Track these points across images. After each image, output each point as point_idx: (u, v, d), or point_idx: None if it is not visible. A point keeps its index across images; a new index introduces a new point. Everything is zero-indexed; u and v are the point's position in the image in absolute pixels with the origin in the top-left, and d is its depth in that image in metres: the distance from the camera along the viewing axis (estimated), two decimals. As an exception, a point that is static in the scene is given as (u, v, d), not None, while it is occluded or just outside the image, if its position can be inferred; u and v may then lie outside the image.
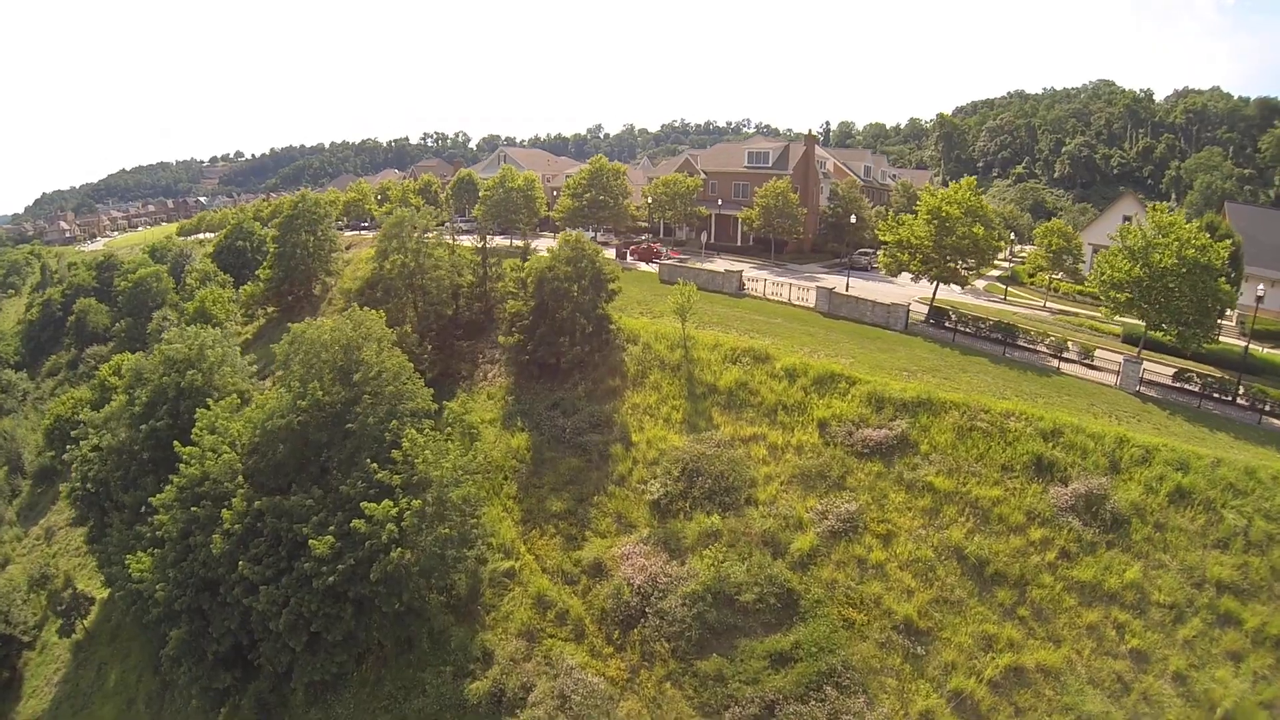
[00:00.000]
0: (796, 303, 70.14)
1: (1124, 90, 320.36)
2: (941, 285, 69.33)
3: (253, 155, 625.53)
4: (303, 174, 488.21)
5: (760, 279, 75.68)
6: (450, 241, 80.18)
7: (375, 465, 44.27)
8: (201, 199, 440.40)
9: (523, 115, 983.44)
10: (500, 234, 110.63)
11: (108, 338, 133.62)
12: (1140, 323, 60.57)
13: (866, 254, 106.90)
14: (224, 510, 44.62)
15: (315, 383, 47.48)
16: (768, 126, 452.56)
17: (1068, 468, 43.57)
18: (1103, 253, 61.25)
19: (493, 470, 54.78)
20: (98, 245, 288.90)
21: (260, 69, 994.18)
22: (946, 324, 63.38)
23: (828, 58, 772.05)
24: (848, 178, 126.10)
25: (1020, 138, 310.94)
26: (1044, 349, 58.75)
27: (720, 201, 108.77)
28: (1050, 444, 44.92)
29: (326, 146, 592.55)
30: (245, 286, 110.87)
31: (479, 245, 76.43)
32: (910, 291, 79.79)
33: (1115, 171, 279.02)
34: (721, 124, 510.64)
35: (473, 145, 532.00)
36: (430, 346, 67.88)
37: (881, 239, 72.70)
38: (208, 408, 52.57)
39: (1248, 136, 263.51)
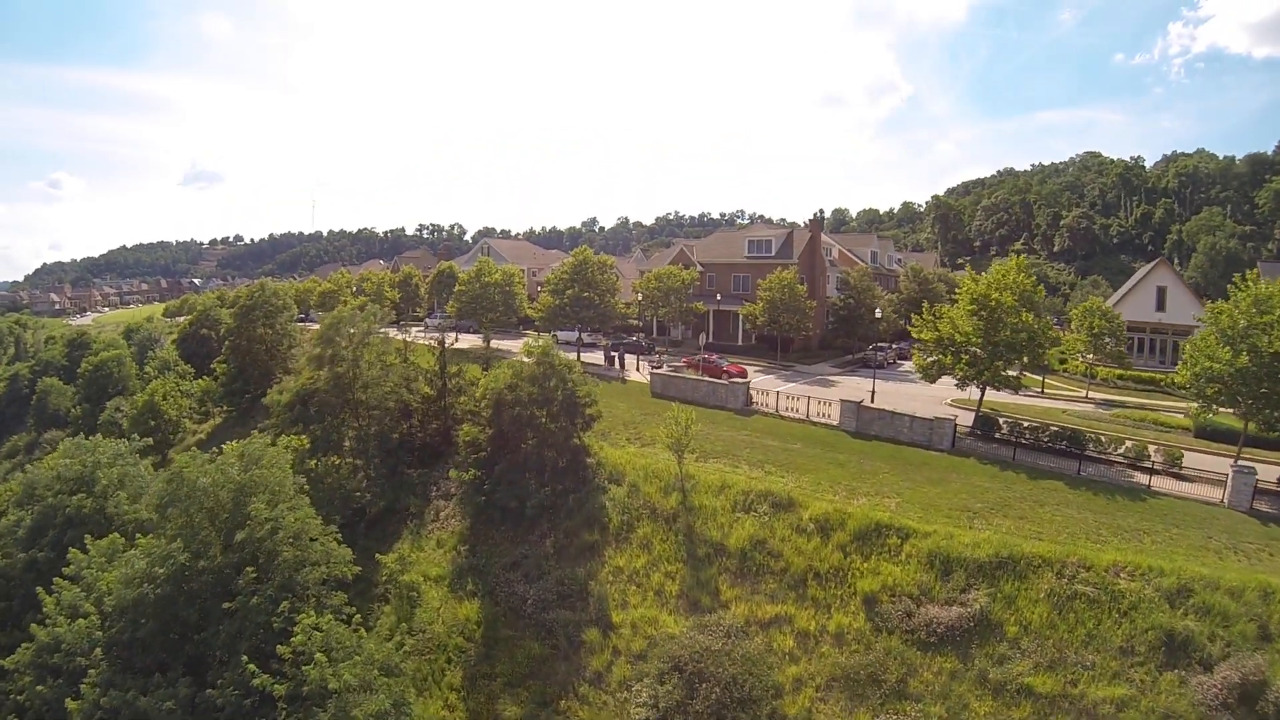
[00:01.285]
0: (817, 419, 57.27)
1: (1114, 160, 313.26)
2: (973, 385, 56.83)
3: (251, 240, 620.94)
4: (299, 261, 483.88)
5: (771, 390, 62.84)
6: (404, 343, 68.40)
7: (253, 667, 30.70)
8: (195, 280, 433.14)
9: (518, 209, 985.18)
10: (476, 333, 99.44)
11: (66, 422, 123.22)
12: (1213, 409, 48.14)
13: (883, 349, 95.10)
14: (69, 700, 31.40)
15: (180, 541, 34.99)
16: (762, 216, 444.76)
17: (1207, 643, 30.51)
18: (1192, 340, 48.92)
19: (434, 650, 41.85)
20: (86, 320, 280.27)
21: (264, 156, 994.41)
22: (997, 434, 51.45)
23: (819, 148, 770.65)
24: (855, 265, 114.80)
25: (1016, 214, 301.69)
26: (1120, 459, 47.16)
27: (719, 296, 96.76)
28: (1178, 609, 31.90)
29: (324, 235, 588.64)
30: (199, 381, 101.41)
31: (439, 349, 63.32)
32: (938, 392, 68.07)
33: (1115, 241, 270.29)
34: (715, 215, 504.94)
35: (467, 238, 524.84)
36: (371, 475, 55.78)
37: (916, 337, 60.33)
38: (85, 546, 39.71)
39: (1241, 194, 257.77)
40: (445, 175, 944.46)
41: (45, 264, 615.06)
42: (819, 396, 61.15)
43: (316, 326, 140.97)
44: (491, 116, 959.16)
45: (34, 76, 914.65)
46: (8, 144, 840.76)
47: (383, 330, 63.42)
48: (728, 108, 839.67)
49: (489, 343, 72.84)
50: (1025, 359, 54.63)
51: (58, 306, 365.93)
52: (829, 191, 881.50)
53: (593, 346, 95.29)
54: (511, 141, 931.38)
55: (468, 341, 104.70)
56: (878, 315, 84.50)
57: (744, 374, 70.66)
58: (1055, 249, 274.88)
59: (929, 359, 57.23)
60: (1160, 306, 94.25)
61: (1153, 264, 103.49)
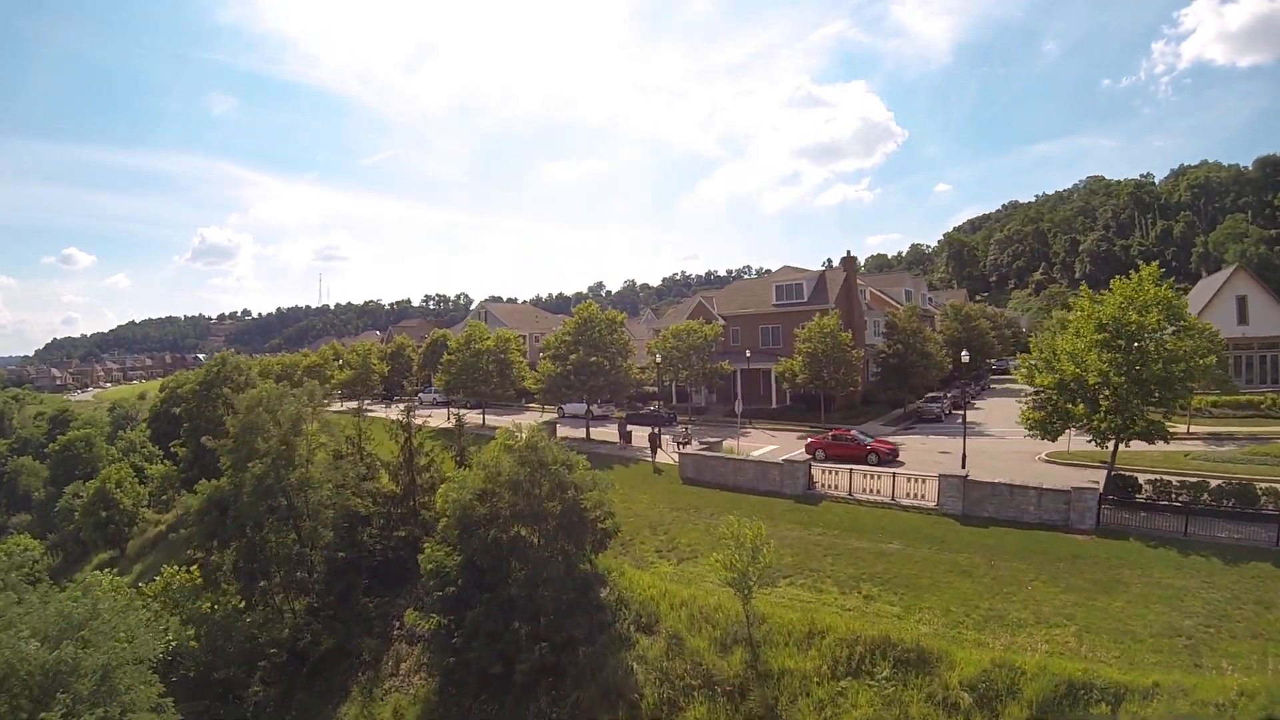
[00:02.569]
0: (907, 502, 42.36)
1: (1120, 181, 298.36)
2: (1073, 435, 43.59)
3: (259, 314, 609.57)
4: (306, 334, 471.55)
5: (837, 466, 47.24)
6: (358, 426, 53.31)
7: None
8: (200, 356, 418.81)
9: (524, 277, 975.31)
10: (474, 407, 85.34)
11: (32, 506, 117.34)
12: None
13: (936, 400, 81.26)
14: None
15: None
16: (767, 271, 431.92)
17: None
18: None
19: None
20: (87, 395, 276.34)
21: (272, 232, 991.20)
22: (1137, 499, 37.32)
23: (818, 201, 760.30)
24: (891, 307, 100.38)
25: (1030, 244, 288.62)
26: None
27: (748, 353, 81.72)
28: None
29: (331, 308, 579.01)
30: (159, 465, 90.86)
31: (403, 435, 49.46)
32: (1022, 447, 54.69)
33: (1137, 261, 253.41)
34: (722, 272, 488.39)
35: (473, 307, 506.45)
36: (314, 605, 42.69)
37: (1025, 382, 46.04)
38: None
39: (1259, 199, 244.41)
40: (450, 246, 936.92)
41: (56, 339, 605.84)
42: (898, 470, 46.73)
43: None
44: (495, 186, 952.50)
45: (45, 154, 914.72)
46: (20, 220, 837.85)
47: (368, 410, 54.63)
48: (726, 166, 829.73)
49: (460, 427, 56.45)
50: (1174, 394, 39.53)
51: (59, 382, 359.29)
52: (832, 242, 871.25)
53: (605, 419, 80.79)
54: (516, 209, 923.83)
55: (465, 418, 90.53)
56: (962, 357, 68.30)
57: (894, 452, 54.97)
58: (1076, 275, 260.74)
59: (1039, 409, 42.66)
60: (1242, 319, 79.71)
61: (1228, 272, 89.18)
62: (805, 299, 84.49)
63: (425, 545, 37.00)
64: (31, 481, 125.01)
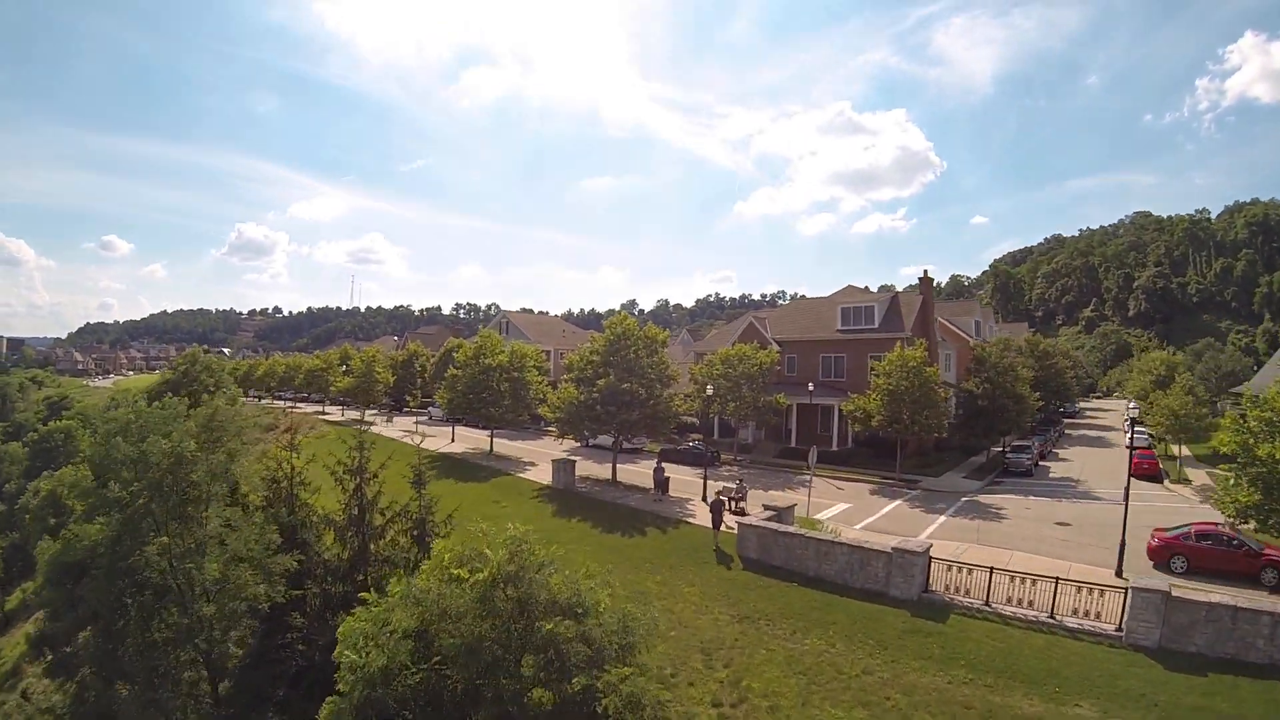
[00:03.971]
0: (1073, 622, 28.13)
1: (1171, 217, 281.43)
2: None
3: (290, 313, 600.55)
4: (334, 335, 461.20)
5: (965, 563, 31.89)
6: (290, 468, 38.68)
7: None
8: (224, 350, 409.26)
9: (555, 292, 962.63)
10: (484, 429, 72.02)
11: (3, 497, 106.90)
12: None
13: (1024, 449, 67.72)
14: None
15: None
16: (802, 296, 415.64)
17: None
18: None
19: None
20: (107, 382, 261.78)
21: (308, 231, 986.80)
22: None
23: (853, 229, 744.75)
24: (957, 338, 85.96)
25: (1079, 279, 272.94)
26: None
27: (811, 386, 68.08)
28: None
29: (362, 310, 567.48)
30: None
31: (353, 481, 34.78)
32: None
33: (1195, 300, 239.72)
34: (756, 296, 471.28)
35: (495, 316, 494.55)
36: None
37: (1229, 448, 33.21)
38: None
39: None
40: (484, 256, 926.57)
41: (89, 323, 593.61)
42: (1048, 567, 32.49)
43: (305, 409, 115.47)
44: (530, 198, 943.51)
45: (89, 143, 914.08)
46: (64, 205, 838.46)
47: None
48: (762, 189, 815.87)
49: (421, 485, 37.65)
50: None
51: (81, 366, 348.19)
52: (867, 271, 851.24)
53: (636, 453, 67.26)
54: (551, 221, 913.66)
55: (470, 442, 76.67)
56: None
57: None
58: (1130, 313, 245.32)
59: (1259, 490, 31.11)
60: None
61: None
62: (876, 325, 70.42)
63: None
64: (11, 469, 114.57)
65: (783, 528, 35.72)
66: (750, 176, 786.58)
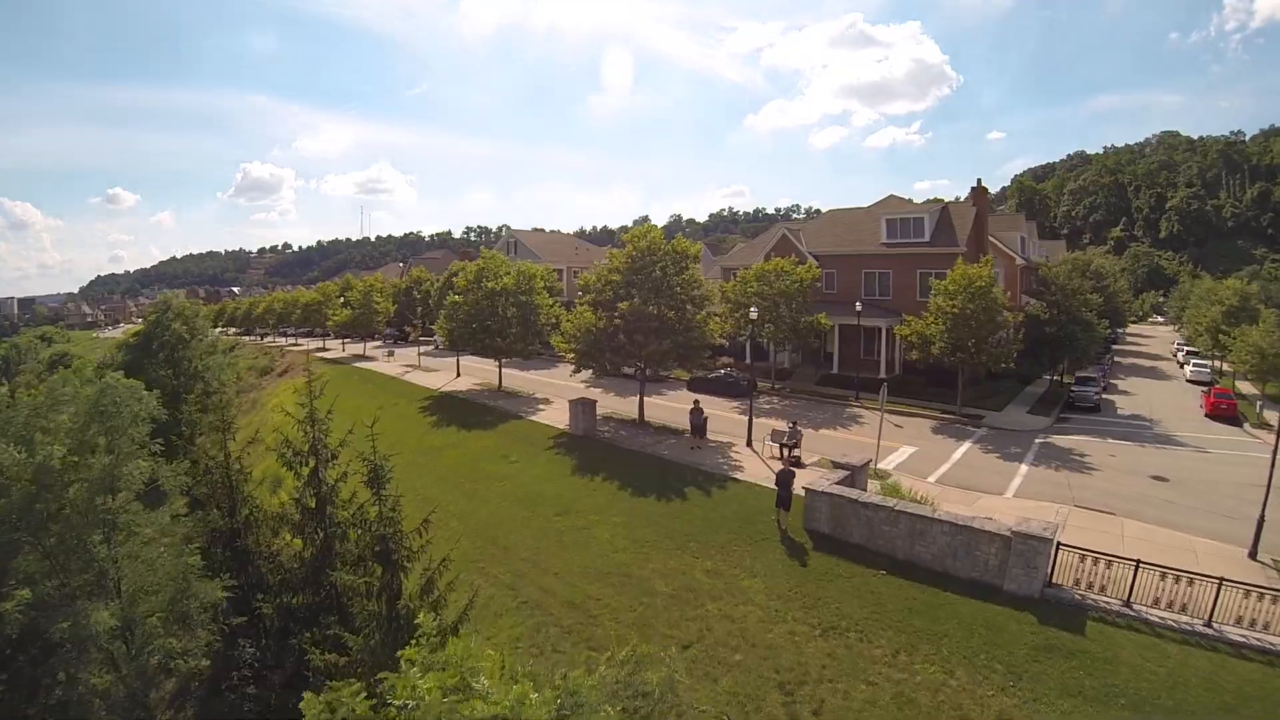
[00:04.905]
0: (1237, 634, 20.72)
1: (1208, 138, 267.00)
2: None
3: (300, 248, 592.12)
4: (345, 267, 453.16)
5: (1104, 555, 25.41)
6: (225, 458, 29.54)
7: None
8: (235, 290, 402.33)
9: (567, 210, 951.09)
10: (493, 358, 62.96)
11: None
12: None
13: (1090, 382, 59.97)
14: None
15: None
16: (817, 211, 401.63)
17: None
18: None
19: None
20: (116, 332, 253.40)
21: (313, 166, 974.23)
22: None
23: (866, 142, 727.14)
24: (1003, 255, 77.17)
25: (1107, 198, 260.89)
26: None
27: (859, 305, 58.39)
28: None
29: (372, 240, 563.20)
30: None
31: (308, 464, 25.15)
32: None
33: (1229, 225, 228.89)
34: (770, 210, 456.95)
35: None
36: None
37: None
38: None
39: None
40: (494, 179, 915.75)
41: (100, 275, 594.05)
42: (1170, 543, 27.53)
43: (310, 344, 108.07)
44: (539, 119, 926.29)
45: (86, 96, 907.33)
46: (65, 162, 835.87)
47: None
48: (774, 103, 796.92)
49: (379, 482, 21.80)
50: None
51: (90, 319, 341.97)
52: (881, 185, 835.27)
53: (660, 382, 58.66)
54: (560, 141, 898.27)
55: (477, 375, 69.02)
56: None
57: None
58: (1161, 235, 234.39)
59: None
60: None
61: None
62: (926, 238, 61.73)
63: None
64: None
65: (864, 497, 27.55)
66: (760, 90, 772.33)
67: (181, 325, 63.16)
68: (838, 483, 29.24)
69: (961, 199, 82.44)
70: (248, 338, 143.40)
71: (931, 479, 36.10)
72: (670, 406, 51.17)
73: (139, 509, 23.42)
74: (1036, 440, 44.56)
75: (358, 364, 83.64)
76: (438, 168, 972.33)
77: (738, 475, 35.66)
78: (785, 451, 37.25)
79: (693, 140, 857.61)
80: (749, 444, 40.72)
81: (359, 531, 22.12)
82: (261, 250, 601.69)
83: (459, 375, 69.50)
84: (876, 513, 26.75)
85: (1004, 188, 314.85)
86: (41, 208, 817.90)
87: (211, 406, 65.73)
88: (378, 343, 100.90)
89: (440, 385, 65.25)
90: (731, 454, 39.51)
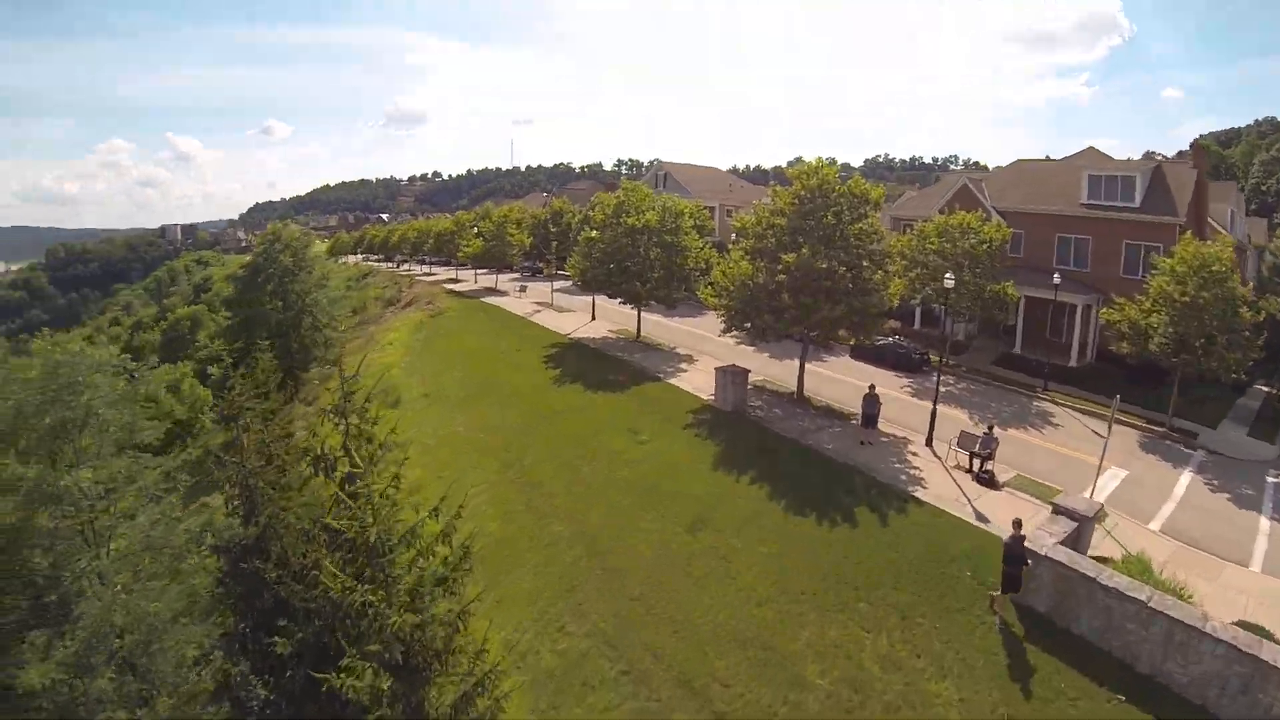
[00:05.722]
0: None
1: None
2: None
3: (449, 176, 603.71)
4: (493, 196, 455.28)
5: None
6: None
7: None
8: (384, 216, 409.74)
9: (720, 146, 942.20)
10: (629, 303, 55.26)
11: None
12: None
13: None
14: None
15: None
16: (975, 163, 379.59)
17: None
18: None
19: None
20: None
21: (463, 99, 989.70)
22: None
23: (1023, 93, 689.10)
24: (1218, 235, 65.80)
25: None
26: None
27: (1057, 276, 48.35)
28: None
29: (522, 169, 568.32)
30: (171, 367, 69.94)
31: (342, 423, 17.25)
32: None
33: None
34: (928, 159, 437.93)
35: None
36: None
37: None
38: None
39: None
40: (650, 111, 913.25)
41: (258, 203, 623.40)
42: None
43: (433, 278, 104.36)
44: (692, 47, 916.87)
45: (246, 37, 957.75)
46: (227, 99, 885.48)
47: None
48: (919, 48, 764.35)
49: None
50: None
51: (244, 244, 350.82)
52: (1034, 141, 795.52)
53: (823, 348, 47.78)
54: (713, 74, 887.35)
55: (613, 319, 62.66)
56: None
57: None
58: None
59: None
60: None
61: None
62: (1136, 203, 51.54)
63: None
64: (150, 358, 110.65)
65: (1106, 576, 19.54)
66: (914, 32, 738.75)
67: (289, 257, 59.81)
68: (1062, 540, 21.65)
69: (1139, 159, 71.23)
70: (386, 265, 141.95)
71: (1154, 525, 27.92)
72: (832, 378, 43.84)
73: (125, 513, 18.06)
74: (1270, 479, 34.27)
75: (486, 299, 78.89)
76: (590, 97, 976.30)
77: (919, 492, 28.31)
78: (976, 463, 29.95)
79: (845, 82, 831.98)
80: (929, 443, 33.34)
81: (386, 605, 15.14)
82: (411, 178, 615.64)
83: (594, 319, 63.66)
84: (1122, 603, 19.02)
85: (1181, 152, 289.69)
86: (204, 141, 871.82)
87: (320, 342, 63.22)
88: (514, 275, 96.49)
89: (571, 330, 59.57)
90: (908, 456, 32.23)
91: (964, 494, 27.70)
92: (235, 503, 20.09)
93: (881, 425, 34.79)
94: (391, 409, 42.61)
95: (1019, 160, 67.42)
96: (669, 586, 23.45)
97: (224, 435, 30.78)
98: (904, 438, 34.39)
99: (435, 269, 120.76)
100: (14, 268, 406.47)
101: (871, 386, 34.75)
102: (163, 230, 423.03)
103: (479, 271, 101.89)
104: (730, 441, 33.52)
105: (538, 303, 74.66)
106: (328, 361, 60.94)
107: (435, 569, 16.37)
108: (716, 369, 39.32)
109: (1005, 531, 21.63)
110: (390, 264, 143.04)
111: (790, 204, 37.55)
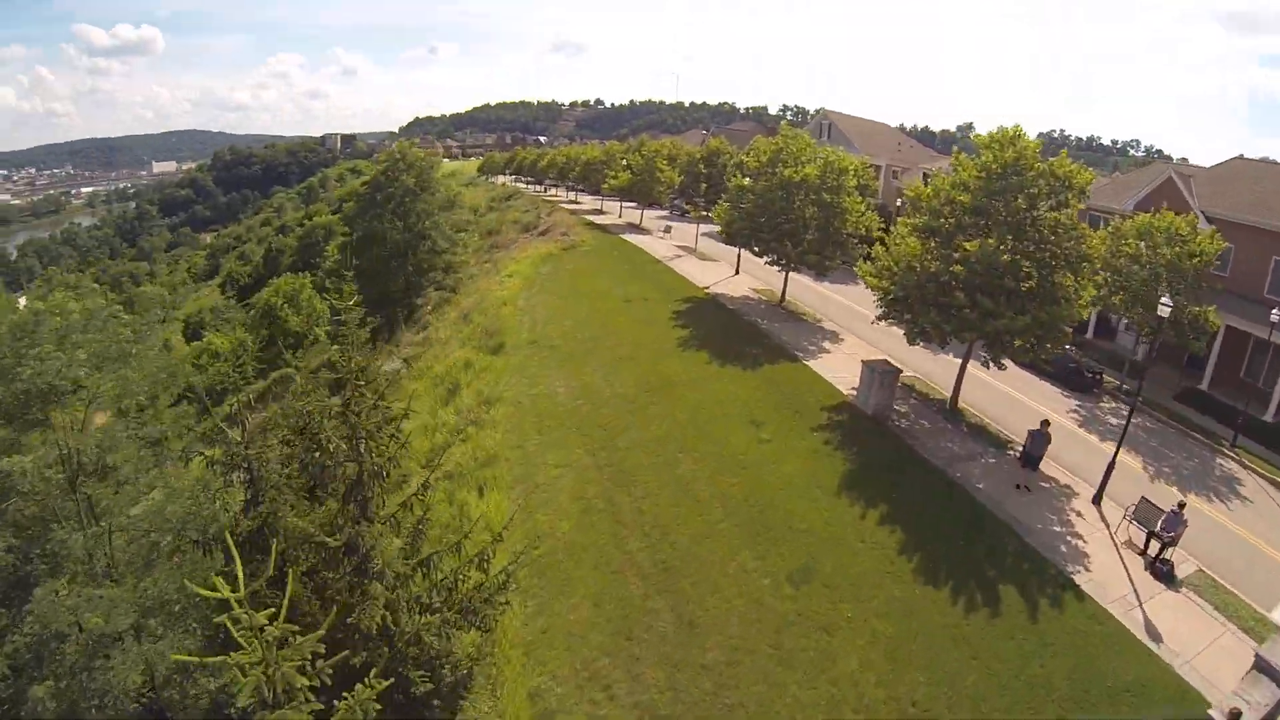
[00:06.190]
0: None
1: None
2: None
3: (611, 104, 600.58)
4: (656, 127, 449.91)
5: None
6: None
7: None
8: (541, 139, 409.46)
9: (887, 101, 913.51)
10: (783, 264, 48.94)
11: None
12: None
13: None
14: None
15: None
16: (1158, 151, 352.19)
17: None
18: None
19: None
20: None
21: (626, 30, 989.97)
22: None
23: (1221, 78, 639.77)
24: None
25: None
26: None
27: (1277, 311, 38.49)
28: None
29: (686, 105, 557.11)
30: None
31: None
32: None
33: None
34: (1106, 142, 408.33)
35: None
36: None
37: None
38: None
39: None
40: (814, 53, 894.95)
41: (417, 118, 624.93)
42: None
43: (576, 207, 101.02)
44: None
45: None
46: (391, 20, 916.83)
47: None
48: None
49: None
50: None
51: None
52: (1229, 137, 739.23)
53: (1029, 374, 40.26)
54: (893, 20, 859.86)
55: (758, 276, 57.64)
56: None
57: None
58: None
59: None
60: None
61: None
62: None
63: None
64: (285, 261, 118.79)
65: None
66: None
67: (412, 178, 57.17)
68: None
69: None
70: (534, 188, 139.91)
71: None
72: (989, 385, 37.28)
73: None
74: None
75: (627, 235, 75.12)
76: (758, 36, 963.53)
77: (1078, 575, 22.76)
78: (1154, 548, 24.17)
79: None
80: (1097, 500, 27.46)
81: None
82: (573, 103, 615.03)
83: (737, 273, 59.08)
84: None
85: None
86: (371, 57, 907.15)
87: (438, 265, 60.77)
88: (661, 213, 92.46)
89: (711, 283, 55.23)
90: (1070, 515, 26.45)
91: (1133, 588, 22.29)
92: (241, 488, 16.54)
93: (1046, 466, 29.21)
94: (491, 355, 39.22)
95: (1237, 158, 57.89)
96: (751, 658, 19.09)
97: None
98: (1067, 486, 28.58)
99: (582, 198, 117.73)
100: (184, 167, 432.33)
101: (1045, 423, 28.54)
102: (324, 139, 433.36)
103: (625, 205, 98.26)
104: (864, 457, 28.66)
105: (680, 246, 70.61)
106: (445, 287, 58.53)
107: (466, 593, 12.95)
108: (864, 363, 33.72)
109: (1181, 658, 17.02)
110: (539, 188, 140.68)
111: (976, 178, 31.33)
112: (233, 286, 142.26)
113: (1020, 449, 29.37)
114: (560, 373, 37.25)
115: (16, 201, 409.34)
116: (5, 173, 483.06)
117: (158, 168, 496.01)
